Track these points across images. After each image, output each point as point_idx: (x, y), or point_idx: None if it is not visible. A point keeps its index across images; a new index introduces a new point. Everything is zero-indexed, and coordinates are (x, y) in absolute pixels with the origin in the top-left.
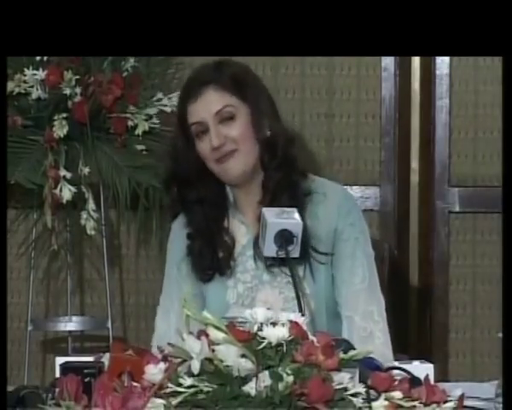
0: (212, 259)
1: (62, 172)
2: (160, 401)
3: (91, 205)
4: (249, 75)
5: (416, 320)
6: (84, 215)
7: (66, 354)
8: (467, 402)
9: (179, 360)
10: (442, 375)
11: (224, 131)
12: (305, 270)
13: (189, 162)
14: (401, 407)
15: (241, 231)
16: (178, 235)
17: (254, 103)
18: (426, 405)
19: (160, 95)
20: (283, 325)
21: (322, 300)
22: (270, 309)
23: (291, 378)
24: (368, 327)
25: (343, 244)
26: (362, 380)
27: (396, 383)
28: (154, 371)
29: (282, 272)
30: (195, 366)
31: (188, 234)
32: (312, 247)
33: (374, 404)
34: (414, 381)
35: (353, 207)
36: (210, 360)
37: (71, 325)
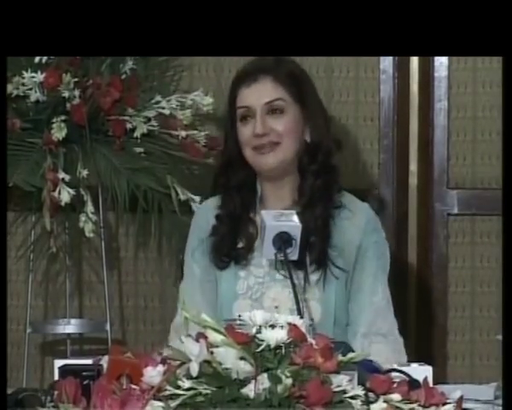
0: (231, 246)
1: (61, 175)
2: (159, 404)
3: (90, 207)
4: (305, 77)
5: (414, 322)
6: (82, 218)
7: (65, 357)
8: (465, 405)
9: (178, 362)
10: (441, 377)
11: (270, 123)
12: (321, 276)
13: (231, 145)
14: (400, 409)
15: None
16: (200, 218)
17: (305, 104)
18: (425, 407)
19: (158, 97)
20: (282, 327)
21: (332, 309)
22: (278, 307)
23: (290, 381)
24: (381, 342)
25: (367, 262)
26: (360, 382)
27: (395, 385)
28: (153, 374)
29: (297, 273)
30: (194, 369)
31: (217, 215)
32: (331, 259)
33: (372, 406)
34: (413, 383)
35: (378, 227)
36: (209, 362)
37: (69, 327)
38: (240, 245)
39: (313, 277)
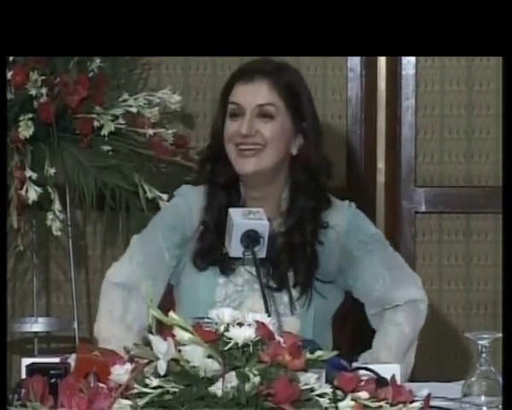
0: (217, 255)
1: (28, 173)
2: (127, 402)
3: (57, 206)
4: (304, 90)
5: None
6: (50, 216)
7: (33, 355)
8: (433, 402)
9: (145, 360)
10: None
11: (258, 125)
12: (303, 295)
13: (220, 139)
14: (367, 407)
15: None
16: (180, 204)
17: (298, 116)
18: (392, 405)
19: (125, 95)
20: (250, 325)
21: (310, 323)
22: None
23: (258, 379)
24: (394, 318)
25: (357, 260)
26: (328, 380)
27: (362, 383)
28: (121, 372)
29: (275, 283)
30: (162, 367)
31: (204, 221)
32: (316, 279)
33: (340, 404)
34: (380, 381)
35: (361, 223)
36: (176, 360)
37: (37, 326)
38: (225, 251)
39: (295, 293)
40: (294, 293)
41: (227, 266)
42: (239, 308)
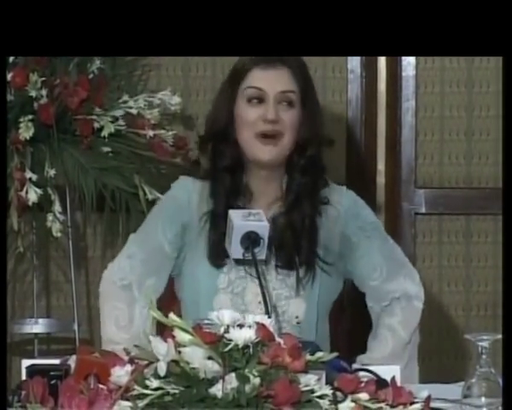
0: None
1: (28, 175)
2: (127, 404)
3: (57, 207)
4: (310, 76)
5: None
6: (50, 217)
7: (33, 357)
8: (433, 404)
9: (146, 362)
10: (409, 377)
11: (280, 112)
12: (307, 275)
13: (223, 124)
14: (367, 408)
15: None
16: (179, 197)
17: (306, 103)
18: (392, 406)
19: (125, 97)
20: (250, 327)
21: (315, 304)
22: (261, 303)
23: (258, 380)
24: (391, 324)
25: (355, 247)
26: (328, 382)
27: (362, 384)
28: (121, 374)
29: (277, 269)
30: (162, 368)
31: (213, 211)
32: (319, 257)
33: (340, 406)
34: (380, 383)
35: (361, 210)
36: (176, 362)
37: (37, 327)
38: None
39: (300, 272)
40: (300, 272)
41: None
42: (243, 294)
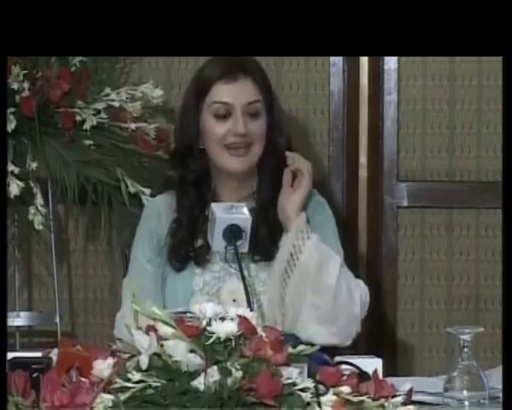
0: (190, 248)
1: (10, 167)
2: (109, 397)
3: (39, 200)
4: (270, 82)
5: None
6: (31, 210)
7: (14, 350)
8: (415, 397)
9: (128, 355)
10: (390, 370)
11: (248, 124)
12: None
13: (189, 137)
14: (349, 401)
15: None
16: (149, 215)
17: (272, 108)
18: (374, 399)
19: (108, 90)
20: (232, 320)
21: None
22: (236, 301)
23: (240, 373)
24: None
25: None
26: (310, 375)
27: (344, 377)
28: (103, 367)
29: (254, 262)
30: (144, 362)
31: (175, 218)
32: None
33: (322, 399)
34: (362, 376)
35: (324, 213)
36: (158, 355)
37: (19, 320)
38: (198, 244)
39: (270, 268)
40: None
41: (201, 257)
42: (218, 294)
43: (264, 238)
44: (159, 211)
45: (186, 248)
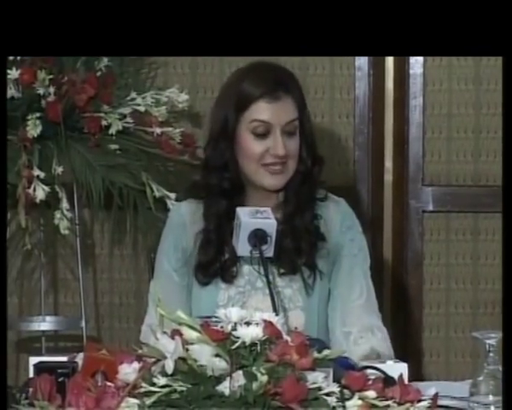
0: (218, 263)
1: (36, 172)
2: (134, 401)
3: (65, 204)
4: (305, 97)
5: (389, 320)
6: (57, 215)
7: (40, 354)
8: (441, 401)
9: (153, 359)
10: (416, 374)
11: (286, 143)
12: (309, 277)
13: (223, 152)
14: (375, 406)
15: None
16: (174, 224)
17: (305, 125)
18: (400, 404)
19: (133, 94)
20: (257, 324)
21: (315, 315)
22: None
23: (265, 378)
24: (365, 341)
25: (342, 260)
26: (336, 379)
27: (370, 382)
28: (128, 371)
29: (279, 279)
30: (169, 366)
31: (203, 229)
32: (315, 264)
33: (348, 403)
34: (388, 380)
35: (354, 224)
36: (184, 359)
37: (45, 324)
38: (225, 257)
39: (294, 284)
40: (304, 274)
41: (228, 274)
42: (242, 308)
43: (290, 251)
44: (183, 221)
45: (214, 264)
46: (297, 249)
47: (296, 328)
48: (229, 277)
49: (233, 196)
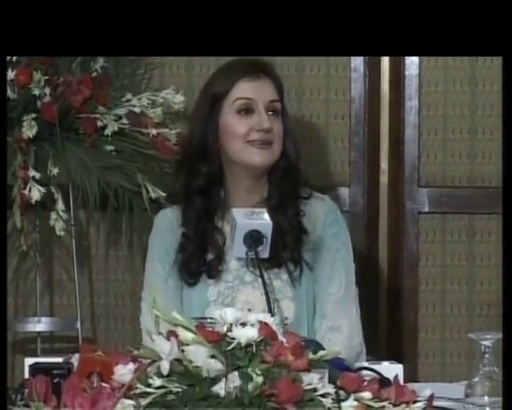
0: (202, 262)
1: (31, 173)
2: (130, 402)
3: (60, 205)
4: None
5: (385, 321)
6: (53, 216)
7: (36, 355)
8: (436, 403)
9: (149, 360)
10: (411, 375)
11: (271, 121)
12: (291, 274)
13: (205, 137)
14: (370, 407)
15: (227, 230)
16: (163, 228)
17: (284, 113)
18: (395, 405)
19: (129, 95)
20: (253, 325)
21: (304, 305)
22: (251, 310)
23: (260, 379)
24: (332, 339)
25: (324, 254)
26: (331, 381)
27: (365, 383)
28: (124, 372)
29: (266, 273)
30: (165, 367)
31: (183, 233)
32: (302, 256)
33: (343, 404)
34: (383, 381)
35: (338, 219)
36: (179, 360)
37: (40, 325)
38: (210, 257)
39: (284, 276)
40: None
41: (214, 270)
42: (233, 304)
43: (275, 245)
44: (171, 225)
45: (197, 264)
46: (281, 244)
47: (286, 318)
48: (215, 273)
49: (209, 192)
